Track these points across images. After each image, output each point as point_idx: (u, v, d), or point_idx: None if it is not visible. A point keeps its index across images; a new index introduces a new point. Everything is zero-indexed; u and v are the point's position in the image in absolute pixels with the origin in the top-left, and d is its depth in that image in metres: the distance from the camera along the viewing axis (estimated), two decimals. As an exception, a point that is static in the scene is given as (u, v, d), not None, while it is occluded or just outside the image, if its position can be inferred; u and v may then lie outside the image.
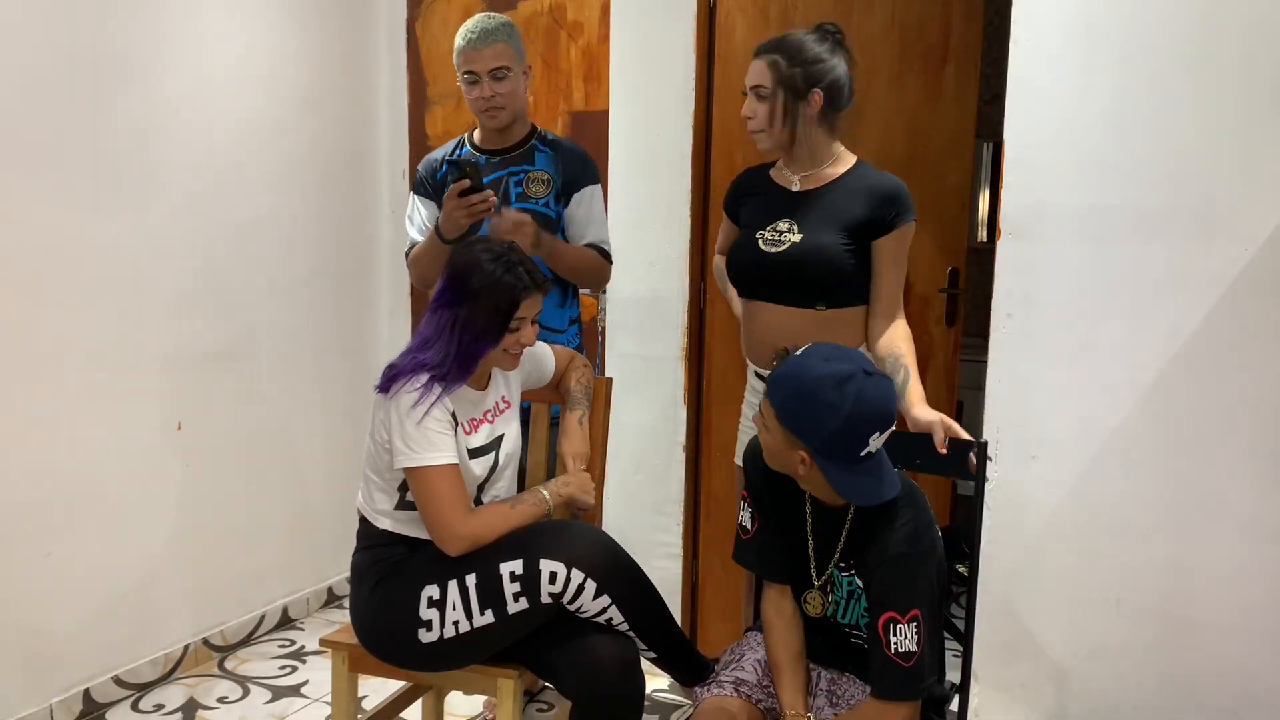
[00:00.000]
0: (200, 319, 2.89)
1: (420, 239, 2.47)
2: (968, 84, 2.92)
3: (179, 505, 2.87)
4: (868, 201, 2.06)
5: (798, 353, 1.65)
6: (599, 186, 2.52)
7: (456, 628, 1.82)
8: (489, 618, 1.81)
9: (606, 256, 2.53)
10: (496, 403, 1.99)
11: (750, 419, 2.27)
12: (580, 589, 1.82)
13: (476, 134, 2.52)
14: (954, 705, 1.94)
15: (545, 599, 1.81)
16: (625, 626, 1.88)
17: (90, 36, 2.54)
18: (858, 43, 2.90)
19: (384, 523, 1.93)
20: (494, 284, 1.86)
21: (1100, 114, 2.28)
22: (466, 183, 2.14)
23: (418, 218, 2.51)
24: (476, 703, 2.76)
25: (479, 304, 1.86)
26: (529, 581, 1.80)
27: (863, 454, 1.58)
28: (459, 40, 2.37)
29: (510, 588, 1.80)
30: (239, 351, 3.02)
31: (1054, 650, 2.43)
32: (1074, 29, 2.28)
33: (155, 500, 2.80)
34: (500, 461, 1.98)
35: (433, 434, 1.82)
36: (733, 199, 2.32)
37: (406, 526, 1.92)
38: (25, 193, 2.41)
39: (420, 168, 2.54)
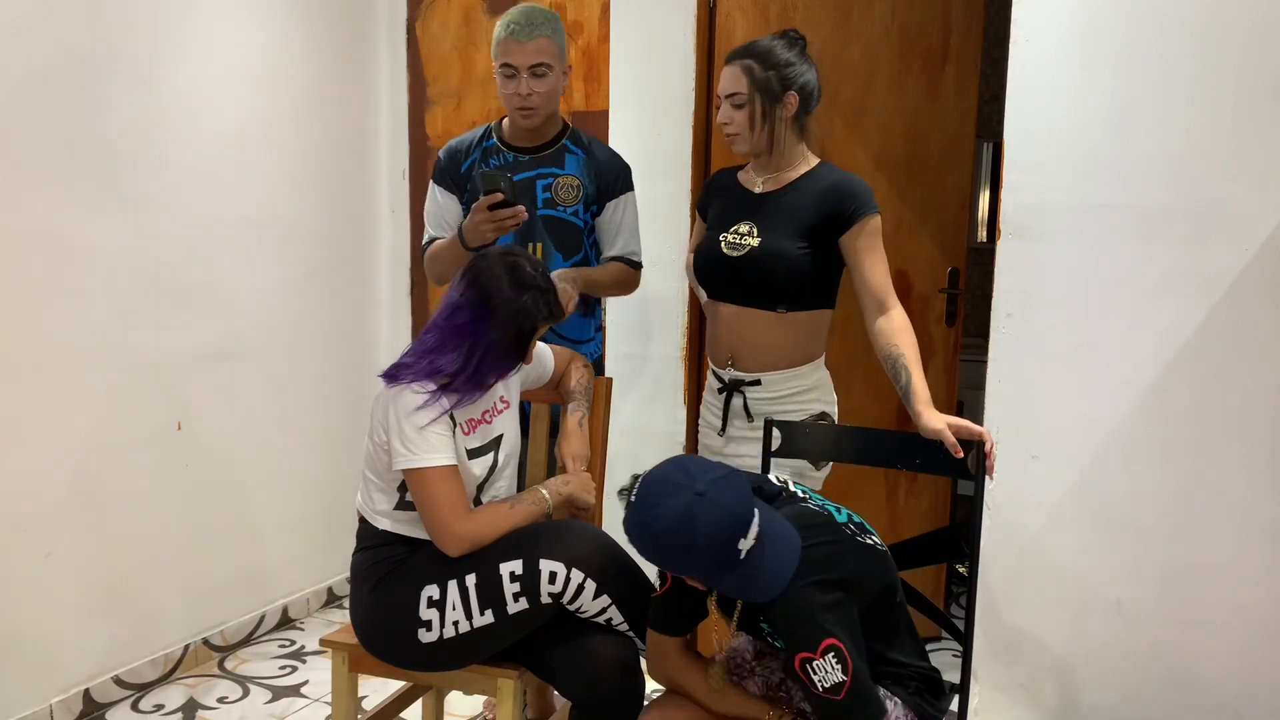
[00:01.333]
0: (200, 319, 2.89)
1: (438, 235, 2.39)
2: (968, 84, 2.93)
3: (179, 505, 2.87)
4: (822, 202, 2.05)
5: (633, 498, 1.55)
6: (633, 194, 2.43)
7: (456, 628, 1.82)
8: (489, 618, 1.81)
9: (635, 265, 2.44)
10: (495, 403, 1.99)
11: (709, 422, 2.26)
12: (580, 589, 1.81)
13: (505, 125, 2.39)
14: (954, 705, 1.94)
15: (545, 599, 1.81)
16: (625, 626, 1.88)
17: (91, 36, 2.53)
18: (858, 43, 2.92)
19: (383, 523, 1.93)
20: (516, 310, 1.83)
21: (1100, 114, 2.28)
22: (498, 196, 2.06)
23: (435, 210, 2.40)
24: (477, 703, 2.76)
25: (500, 330, 1.83)
26: (529, 582, 1.80)
27: (742, 558, 1.50)
28: (500, 30, 2.23)
29: (510, 588, 1.80)
30: (239, 351, 3.02)
31: (1054, 650, 2.43)
32: (1074, 29, 2.28)
33: (155, 500, 2.80)
34: (499, 461, 1.98)
35: (431, 435, 1.82)
36: (703, 198, 2.32)
37: (406, 527, 1.92)
38: (25, 192, 2.41)
39: (442, 155, 2.41)
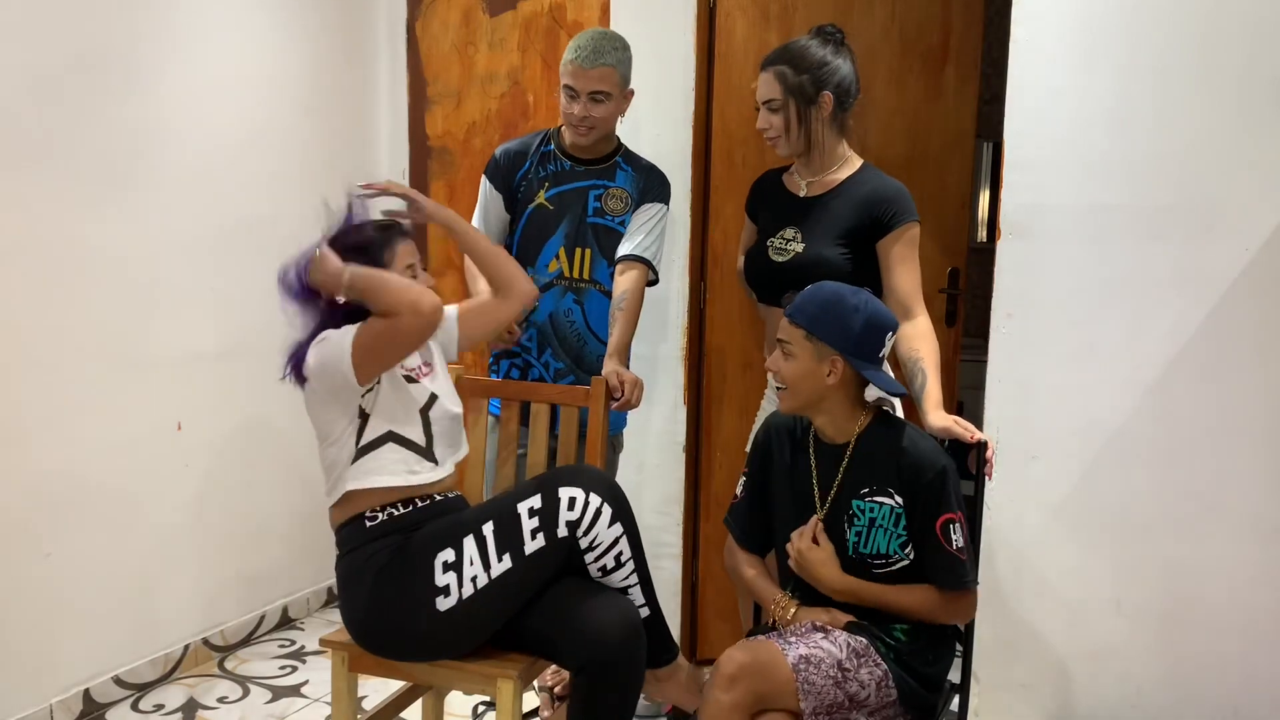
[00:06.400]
0: (200, 319, 2.89)
1: (478, 227, 2.51)
2: (968, 84, 2.92)
3: (179, 505, 2.87)
4: (864, 207, 2.10)
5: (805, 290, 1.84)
6: (665, 208, 2.51)
7: (475, 583, 1.83)
8: (506, 563, 1.84)
9: (644, 261, 2.46)
10: (419, 366, 2.02)
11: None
12: (597, 514, 1.85)
13: (565, 133, 2.49)
14: (954, 705, 1.94)
15: (563, 530, 1.84)
16: (631, 566, 1.90)
17: (90, 36, 2.53)
18: (858, 43, 2.91)
19: (349, 484, 1.92)
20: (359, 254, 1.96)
21: (1101, 114, 2.28)
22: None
23: (482, 204, 2.55)
24: (477, 703, 2.76)
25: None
26: (547, 514, 1.84)
27: (881, 354, 1.79)
28: (569, 52, 2.34)
29: (529, 524, 1.84)
30: (239, 351, 3.02)
31: (1054, 650, 2.44)
32: (1074, 29, 2.28)
33: (155, 500, 2.80)
34: (438, 414, 2.00)
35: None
36: (751, 202, 2.38)
37: (368, 478, 1.92)
38: (26, 192, 2.41)
39: (498, 154, 2.53)
